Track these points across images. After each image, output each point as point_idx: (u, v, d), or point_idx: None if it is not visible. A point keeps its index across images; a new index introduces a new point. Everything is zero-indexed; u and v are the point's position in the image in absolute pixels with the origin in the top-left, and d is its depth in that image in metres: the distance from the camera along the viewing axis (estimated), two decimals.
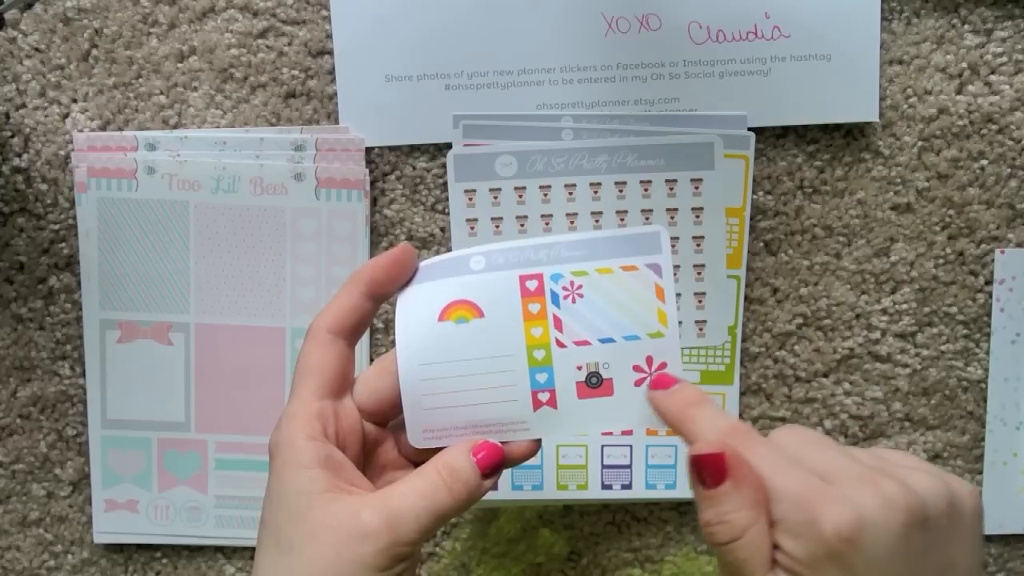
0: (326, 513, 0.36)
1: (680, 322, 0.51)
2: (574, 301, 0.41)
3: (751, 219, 0.51)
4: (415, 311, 0.41)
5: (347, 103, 0.50)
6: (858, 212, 0.51)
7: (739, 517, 0.33)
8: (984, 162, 0.51)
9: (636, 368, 0.40)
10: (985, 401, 0.52)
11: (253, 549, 0.53)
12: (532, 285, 0.41)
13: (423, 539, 0.37)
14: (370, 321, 0.41)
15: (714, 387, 0.52)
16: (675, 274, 0.51)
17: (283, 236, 0.51)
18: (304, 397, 0.38)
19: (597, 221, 0.51)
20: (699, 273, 0.51)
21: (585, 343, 0.40)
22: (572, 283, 0.40)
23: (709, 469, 0.34)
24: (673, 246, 0.51)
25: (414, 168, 0.51)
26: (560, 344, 0.40)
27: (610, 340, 0.40)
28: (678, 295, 0.51)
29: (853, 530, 0.31)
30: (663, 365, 0.40)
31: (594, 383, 0.41)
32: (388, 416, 0.41)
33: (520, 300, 0.40)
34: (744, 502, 0.33)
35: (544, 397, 0.41)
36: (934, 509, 0.31)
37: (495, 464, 0.39)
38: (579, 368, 0.40)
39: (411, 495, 0.36)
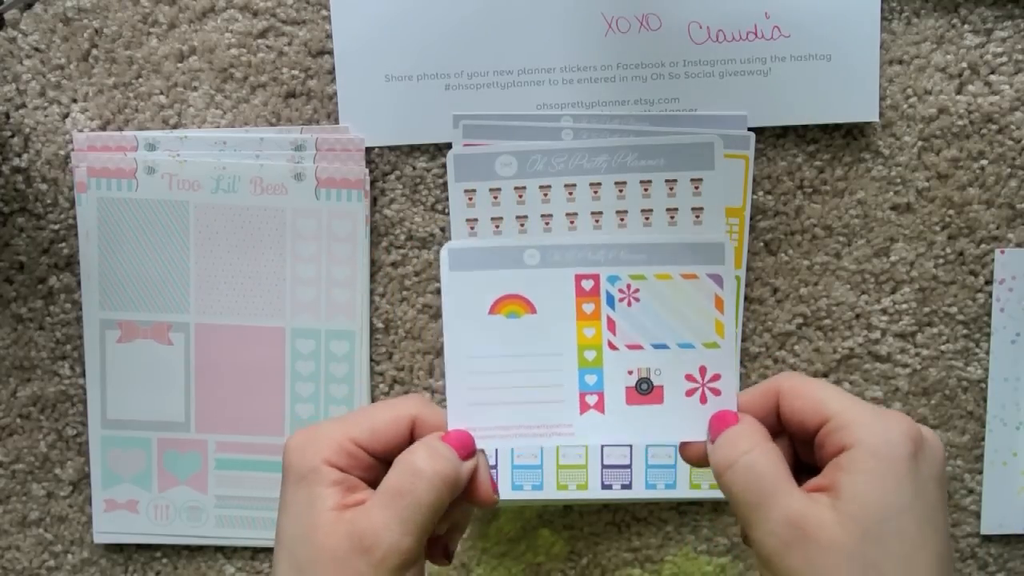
0: (330, 532, 0.36)
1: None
2: (630, 304, 0.40)
3: (751, 219, 0.51)
4: (465, 300, 0.40)
5: (347, 103, 0.50)
6: (858, 212, 0.51)
7: (741, 441, 0.36)
8: (984, 162, 0.51)
9: (688, 378, 0.40)
10: (985, 401, 0.52)
11: (253, 549, 0.54)
12: (588, 285, 0.40)
13: (420, 541, 0.37)
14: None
15: None
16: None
17: (283, 236, 0.51)
18: (343, 430, 0.38)
19: (597, 221, 0.51)
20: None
21: (638, 347, 0.40)
22: (629, 286, 0.40)
23: (716, 421, 0.38)
24: None
25: (414, 168, 0.51)
26: (612, 347, 0.40)
27: (664, 347, 0.40)
28: None
29: (919, 435, 0.34)
30: (716, 376, 0.40)
31: (644, 389, 0.40)
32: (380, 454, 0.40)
33: (575, 299, 0.40)
34: (749, 427, 0.37)
35: (592, 400, 0.40)
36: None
37: (466, 443, 0.38)
38: (630, 373, 0.40)
39: (393, 501, 0.36)
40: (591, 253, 0.40)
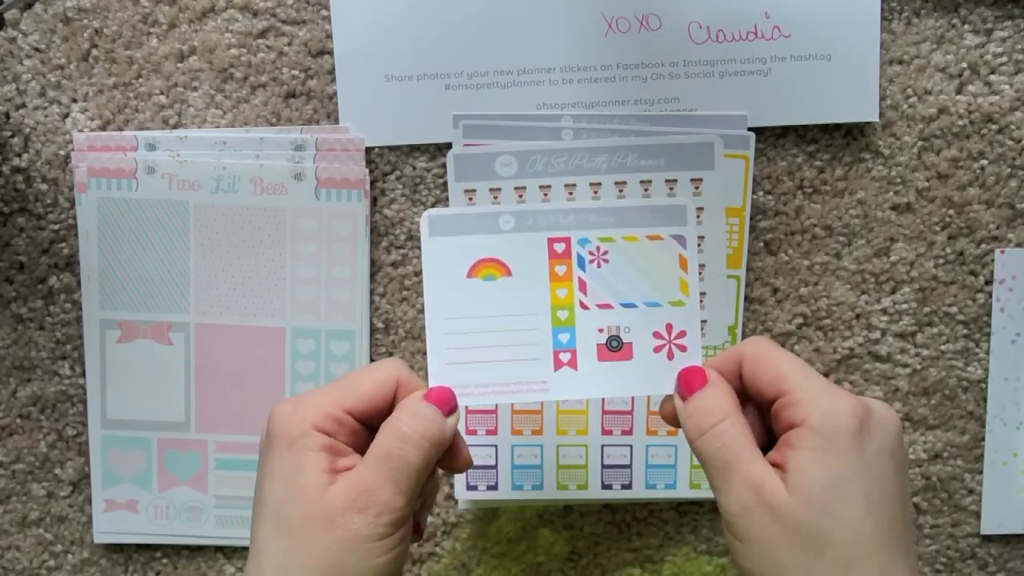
0: (323, 493, 0.37)
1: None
2: (599, 266, 0.42)
3: (751, 219, 0.51)
4: (444, 264, 0.42)
5: (347, 103, 0.50)
6: (858, 212, 0.51)
7: (715, 410, 0.38)
8: (984, 162, 0.51)
9: (656, 335, 0.42)
10: (985, 401, 0.52)
11: None
12: (560, 248, 0.42)
13: (411, 501, 0.38)
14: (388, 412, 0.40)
15: None
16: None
17: (283, 236, 0.51)
18: (330, 398, 0.39)
19: None
20: (699, 273, 0.51)
21: (608, 306, 0.42)
22: (598, 248, 0.42)
23: (685, 381, 0.40)
24: None
25: (414, 168, 0.51)
26: (584, 306, 0.42)
27: (632, 305, 0.42)
28: None
29: (865, 413, 0.36)
30: (682, 333, 0.42)
31: (614, 346, 0.42)
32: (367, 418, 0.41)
33: (547, 262, 0.42)
34: (718, 400, 0.38)
35: (565, 357, 0.42)
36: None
37: (448, 399, 0.40)
38: (600, 331, 0.42)
39: (384, 464, 0.37)
40: (562, 217, 0.42)
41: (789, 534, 0.35)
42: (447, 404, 0.40)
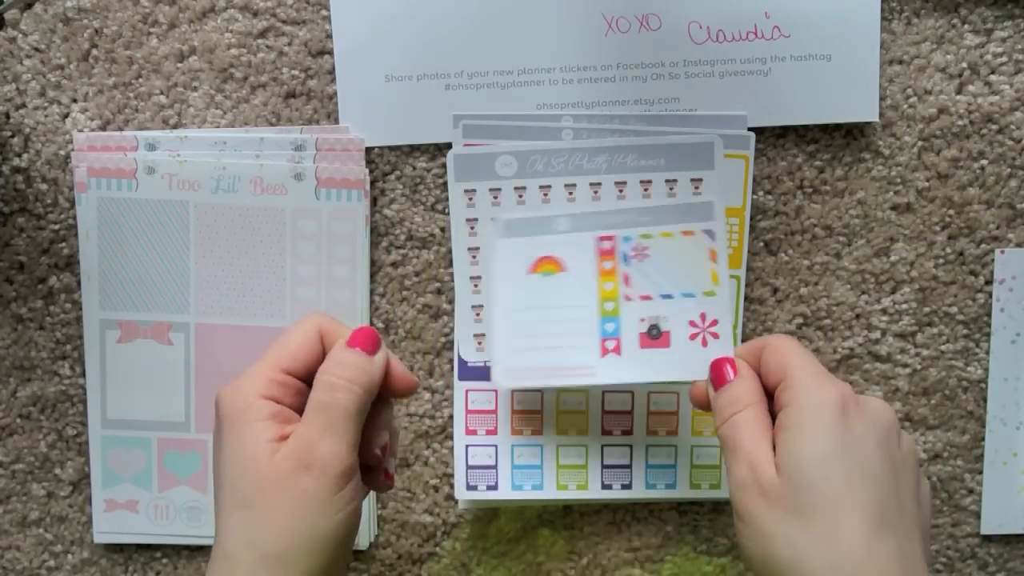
0: (272, 461, 0.37)
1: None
2: (641, 260, 0.47)
3: (751, 219, 0.51)
4: (511, 263, 0.48)
5: (347, 103, 0.50)
6: (858, 212, 0.51)
7: (743, 396, 0.41)
8: (984, 162, 0.51)
9: (691, 324, 0.46)
10: (985, 401, 0.52)
11: None
12: (607, 245, 0.47)
13: (353, 447, 0.38)
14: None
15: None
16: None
17: (283, 236, 0.51)
18: (267, 363, 0.39)
19: None
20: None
21: (648, 298, 0.47)
22: (639, 245, 0.47)
23: (716, 372, 0.43)
24: None
25: (414, 168, 0.51)
26: (627, 298, 0.47)
27: (669, 296, 0.47)
28: None
29: (855, 401, 0.39)
30: (715, 322, 0.46)
31: (654, 335, 0.46)
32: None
33: (597, 258, 0.47)
34: (747, 389, 0.41)
35: (611, 345, 0.47)
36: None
37: (370, 338, 0.40)
38: (642, 320, 0.47)
39: (319, 416, 0.38)
40: (609, 218, 0.47)
41: (775, 508, 0.37)
42: (370, 343, 0.40)
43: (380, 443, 0.41)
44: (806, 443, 0.37)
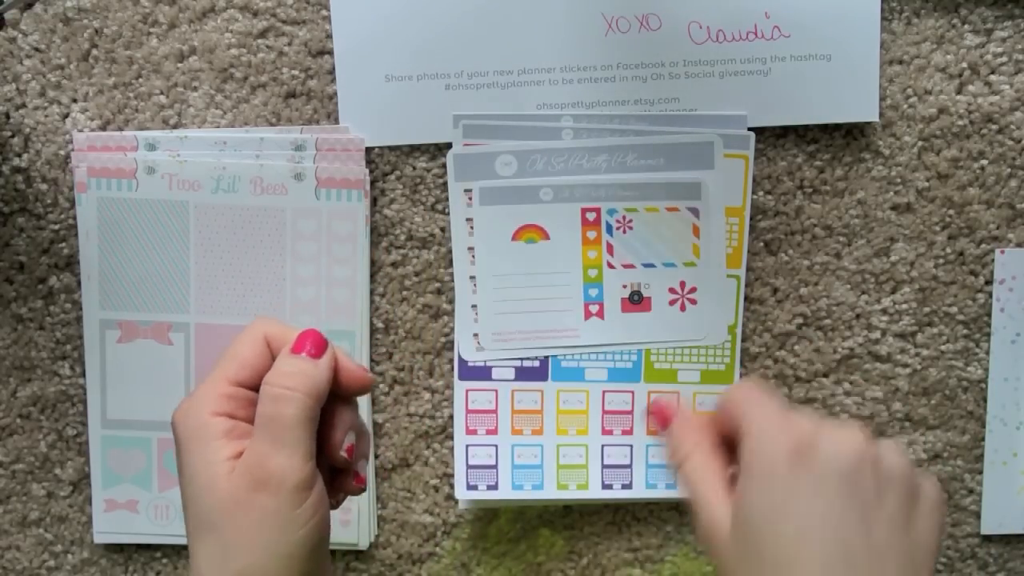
0: (228, 481, 0.36)
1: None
2: (624, 232, 0.49)
3: (751, 219, 0.51)
4: (492, 230, 0.49)
5: (347, 103, 0.50)
6: (858, 212, 0.51)
7: (684, 444, 0.40)
8: (984, 162, 0.51)
9: (671, 290, 0.50)
10: (985, 401, 0.52)
11: None
12: (591, 216, 0.49)
13: (306, 458, 0.37)
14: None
15: (714, 387, 0.52)
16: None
17: (283, 236, 0.51)
18: (217, 378, 0.38)
19: None
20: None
21: (631, 266, 0.50)
22: (624, 217, 0.49)
23: (657, 416, 0.43)
24: None
25: (414, 168, 0.51)
26: (610, 266, 0.50)
27: (651, 265, 0.50)
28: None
29: (809, 444, 0.36)
30: (693, 289, 0.50)
31: (636, 300, 0.50)
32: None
33: (581, 228, 0.49)
34: (686, 435, 0.40)
35: (594, 309, 0.50)
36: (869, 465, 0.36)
37: (315, 342, 0.39)
38: (624, 287, 0.50)
39: (267, 430, 0.37)
40: (594, 191, 0.49)
41: (731, 563, 0.36)
42: (315, 347, 0.38)
43: (345, 446, 0.40)
44: (755, 501, 0.36)
